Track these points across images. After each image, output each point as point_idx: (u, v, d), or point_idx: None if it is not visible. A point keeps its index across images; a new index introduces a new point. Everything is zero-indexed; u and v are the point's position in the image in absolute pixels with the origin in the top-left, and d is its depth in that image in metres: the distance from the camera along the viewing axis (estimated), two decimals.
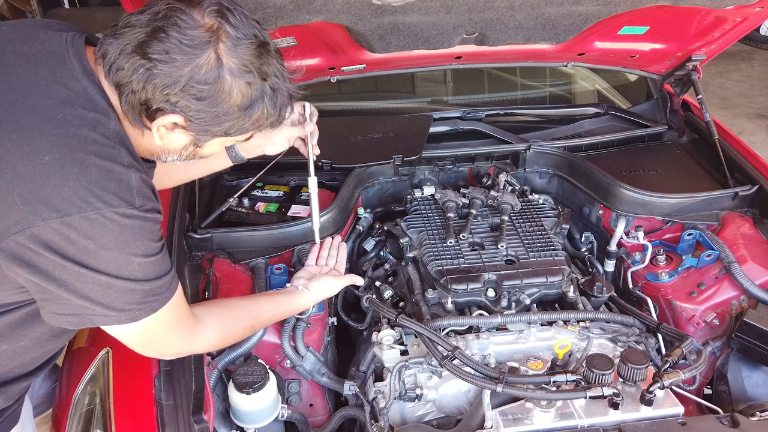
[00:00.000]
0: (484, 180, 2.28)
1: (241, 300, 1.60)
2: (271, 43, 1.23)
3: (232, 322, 1.48)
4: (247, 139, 1.31)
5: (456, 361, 1.56)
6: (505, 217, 2.02)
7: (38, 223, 1.06)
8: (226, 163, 1.75)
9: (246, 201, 2.10)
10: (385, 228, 2.12)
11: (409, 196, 2.20)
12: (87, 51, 1.20)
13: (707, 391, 1.92)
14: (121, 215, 1.11)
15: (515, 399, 1.53)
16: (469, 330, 1.73)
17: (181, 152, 1.28)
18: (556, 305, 1.87)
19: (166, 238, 1.82)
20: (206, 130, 1.21)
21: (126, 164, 1.14)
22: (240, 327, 1.51)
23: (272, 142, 1.71)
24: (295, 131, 1.72)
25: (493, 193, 2.13)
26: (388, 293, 1.95)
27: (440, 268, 1.84)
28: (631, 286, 2.08)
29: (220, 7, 1.16)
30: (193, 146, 1.27)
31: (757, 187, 2.10)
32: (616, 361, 1.54)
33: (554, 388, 1.52)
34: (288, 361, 1.75)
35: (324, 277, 1.72)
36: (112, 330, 1.23)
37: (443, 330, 1.70)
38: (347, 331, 2.12)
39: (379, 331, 1.74)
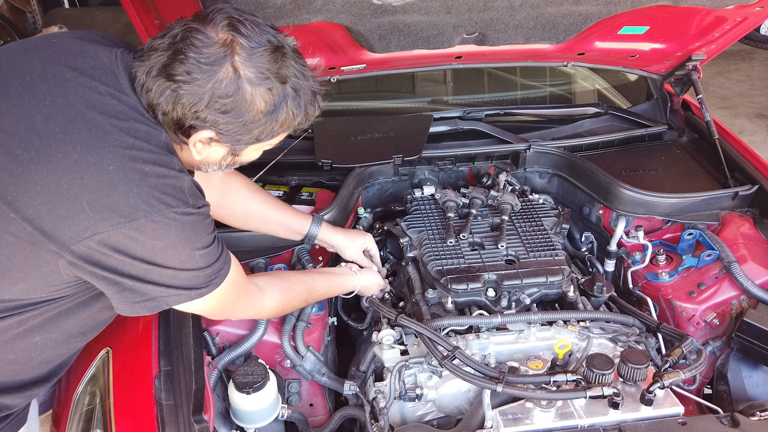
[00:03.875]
0: (484, 180, 2.28)
1: (298, 273, 1.78)
2: (286, 45, 1.27)
3: (291, 294, 1.63)
4: (281, 141, 1.38)
5: (456, 361, 1.56)
6: (505, 217, 2.02)
7: (107, 228, 1.15)
8: (297, 238, 1.90)
9: None
10: (385, 228, 2.12)
11: (409, 196, 2.20)
12: None
13: (707, 390, 1.92)
14: (180, 214, 1.21)
15: (515, 399, 1.53)
16: (469, 330, 1.73)
17: (221, 163, 1.36)
18: (556, 305, 1.87)
19: None
20: (238, 139, 1.28)
21: (178, 169, 1.24)
22: (298, 299, 1.66)
23: (346, 255, 1.94)
24: (368, 241, 1.96)
25: (493, 193, 2.13)
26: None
27: (440, 267, 1.84)
28: (631, 286, 2.08)
29: (231, 20, 1.21)
30: (231, 156, 1.34)
31: (757, 186, 2.10)
32: (616, 360, 1.54)
33: (554, 388, 1.52)
34: (288, 361, 1.75)
35: (371, 271, 1.90)
36: (184, 306, 1.32)
37: (443, 330, 1.70)
38: (347, 331, 2.12)
39: (379, 331, 1.75)
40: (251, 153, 1.38)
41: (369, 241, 1.97)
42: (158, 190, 1.19)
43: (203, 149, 1.29)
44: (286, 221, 1.86)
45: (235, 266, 1.40)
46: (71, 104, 1.19)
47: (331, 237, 1.91)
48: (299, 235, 1.89)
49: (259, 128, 1.26)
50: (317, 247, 1.99)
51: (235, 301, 1.46)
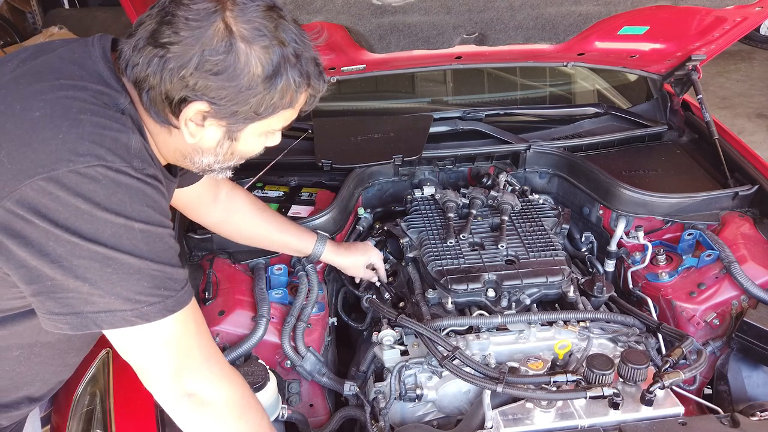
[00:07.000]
0: (484, 180, 2.28)
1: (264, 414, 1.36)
2: (284, 9, 1.15)
3: (250, 412, 1.29)
4: (285, 126, 1.24)
5: (456, 361, 1.56)
6: (505, 217, 2.02)
7: (24, 182, 0.98)
8: (303, 252, 1.86)
9: None
10: (385, 228, 2.12)
11: (409, 196, 2.20)
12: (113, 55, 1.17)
13: (707, 391, 1.92)
14: (115, 171, 1.01)
15: (515, 399, 1.53)
16: (470, 330, 1.73)
17: (217, 150, 1.20)
18: (556, 305, 1.87)
19: None
20: (234, 111, 1.11)
21: (128, 126, 1.07)
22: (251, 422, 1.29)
23: (350, 273, 1.97)
24: (372, 257, 1.95)
25: (493, 193, 2.13)
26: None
27: (440, 268, 1.84)
28: (631, 286, 2.08)
29: None
30: (228, 141, 1.18)
31: (757, 187, 2.10)
32: (617, 361, 1.54)
33: (554, 388, 1.52)
34: (288, 362, 1.75)
35: None
36: (120, 338, 1.11)
37: (443, 330, 1.70)
38: (347, 331, 2.12)
39: (379, 331, 1.74)
40: (251, 139, 1.20)
41: (374, 257, 1.97)
42: (90, 139, 1.01)
43: (197, 130, 1.14)
44: (290, 241, 1.84)
45: (198, 309, 1.18)
46: (30, 69, 1.10)
47: (335, 258, 1.91)
48: (303, 254, 1.87)
49: (256, 97, 1.10)
50: None
51: (189, 355, 1.15)
